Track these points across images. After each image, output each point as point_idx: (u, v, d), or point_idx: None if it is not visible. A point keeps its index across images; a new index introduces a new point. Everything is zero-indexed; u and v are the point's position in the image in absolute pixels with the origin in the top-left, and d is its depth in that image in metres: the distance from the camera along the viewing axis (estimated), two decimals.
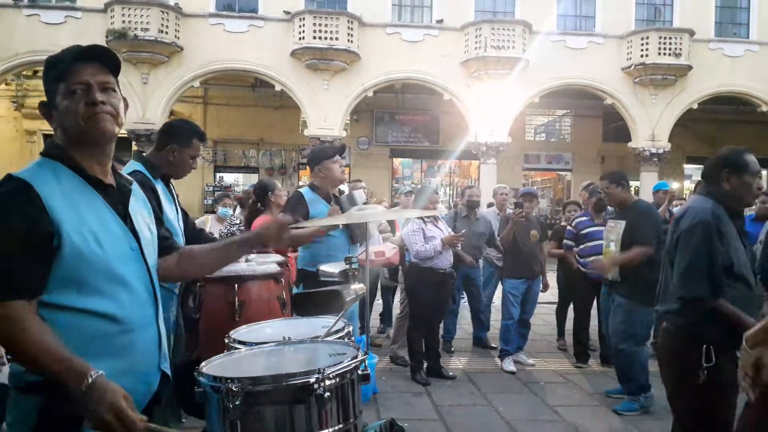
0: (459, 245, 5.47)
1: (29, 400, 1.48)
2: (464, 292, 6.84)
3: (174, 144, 2.92)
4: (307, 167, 4.18)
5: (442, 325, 6.12)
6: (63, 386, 1.36)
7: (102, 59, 1.58)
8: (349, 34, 15.23)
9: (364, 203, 3.88)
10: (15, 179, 1.46)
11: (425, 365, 5.48)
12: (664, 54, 15.74)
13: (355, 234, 3.90)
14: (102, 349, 1.49)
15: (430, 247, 5.27)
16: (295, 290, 3.81)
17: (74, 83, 1.53)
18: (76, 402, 1.36)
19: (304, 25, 15.16)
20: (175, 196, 3.08)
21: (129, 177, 1.80)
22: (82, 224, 1.49)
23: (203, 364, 1.83)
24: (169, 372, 1.78)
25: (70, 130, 1.54)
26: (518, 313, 5.93)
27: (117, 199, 1.64)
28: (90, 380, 1.35)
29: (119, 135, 1.65)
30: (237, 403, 1.60)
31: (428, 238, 5.31)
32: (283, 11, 15.49)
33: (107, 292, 1.52)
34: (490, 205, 8.05)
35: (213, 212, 7.98)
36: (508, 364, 5.82)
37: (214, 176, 19.18)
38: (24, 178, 1.45)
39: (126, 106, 1.68)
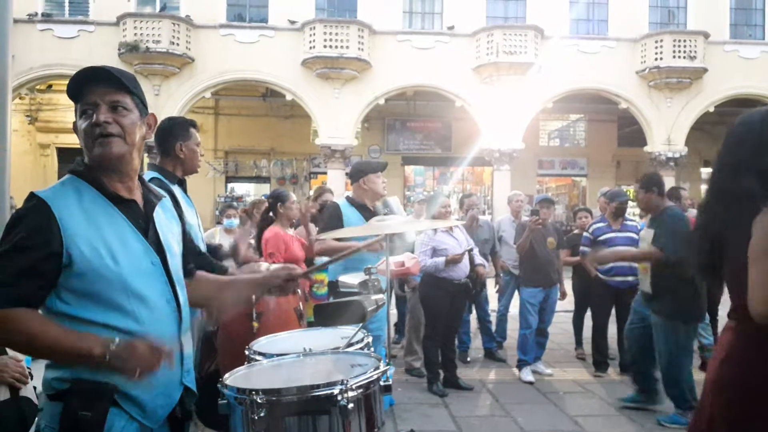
0: (463, 260, 5.32)
1: (55, 406, 1.54)
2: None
3: (179, 141, 2.96)
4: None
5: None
6: (91, 360, 1.46)
7: (109, 80, 1.59)
8: (359, 42, 15.28)
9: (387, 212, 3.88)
10: (35, 198, 1.54)
11: (442, 376, 5.41)
12: (679, 57, 15.63)
13: (395, 244, 3.90)
14: None
15: (431, 263, 5.19)
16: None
17: (85, 104, 1.58)
18: (110, 367, 1.47)
19: (314, 34, 15.23)
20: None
21: (161, 191, 1.84)
22: (98, 241, 1.54)
23: (226, 375, 1.84)
24: (193, 386, 1.77)
25: (86, 150, 1.60)
26: (536, 322, 5.85)
27: (140, 214, 1.68)
28: (116, 341, 1.47)
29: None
30: (262, 414, 1.64)
31: (440, 251, 5.23)
32: (288, 20, 15.58)
33: (125, 308, 1.56)
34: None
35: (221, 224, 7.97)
36: (527, 375, 5.73)
37: (226, 186, 19.26)
38: (43, 198, 1.52)
39: (154, 120, 1.75)
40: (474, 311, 6.68)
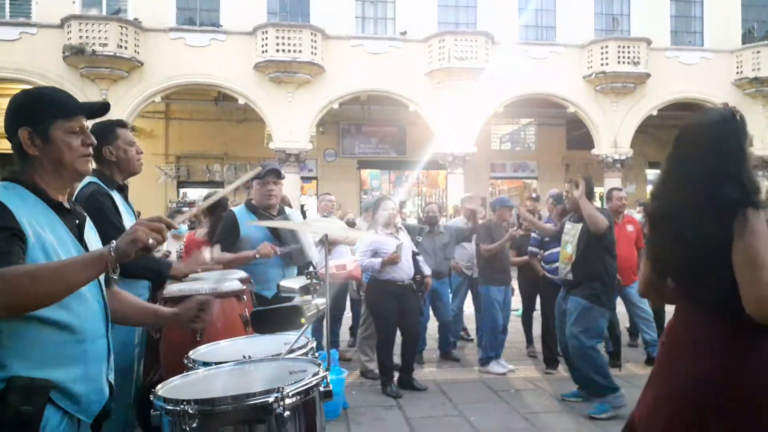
0: (399, 262, 5.34)
1: None
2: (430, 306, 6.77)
3: (104, 144, 2.85)
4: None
5: None
6: (102, 262, 1.55)
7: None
8: (312, 46, 15.22)
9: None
10: None
11: (396, 377, 5.43)
12: (623, 62, 16.13)
13: (290, 256, 3.83)
14: (60, 358, 1.62)
15: (368, 263, 5.24)
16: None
17: (76, 124, 1.83)
18: (121, 257, 1.55)
19: (266, 38, 15.09)
20: (134, 210, 3.01)
21: (81, 209, 1.94)
22: (43, 241, 1.63)
23: (159, 386, 1.79)
24: (112, 381, 1.82)
25: (69, 161, 1.78)
26: (502, 319, 5.99)
27: (74, 223, 1.80)
28: (113, 241, 1.57)
29: None
30: (194, 425, 1.59)
31: (383, 252, 5.26)
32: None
33: (64, 304, 1.61)
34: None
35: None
36: (497, 367, 5.93)
37: (178, 192, 18.87)
38: None
39: None
40: (431, 314, 6.73)
